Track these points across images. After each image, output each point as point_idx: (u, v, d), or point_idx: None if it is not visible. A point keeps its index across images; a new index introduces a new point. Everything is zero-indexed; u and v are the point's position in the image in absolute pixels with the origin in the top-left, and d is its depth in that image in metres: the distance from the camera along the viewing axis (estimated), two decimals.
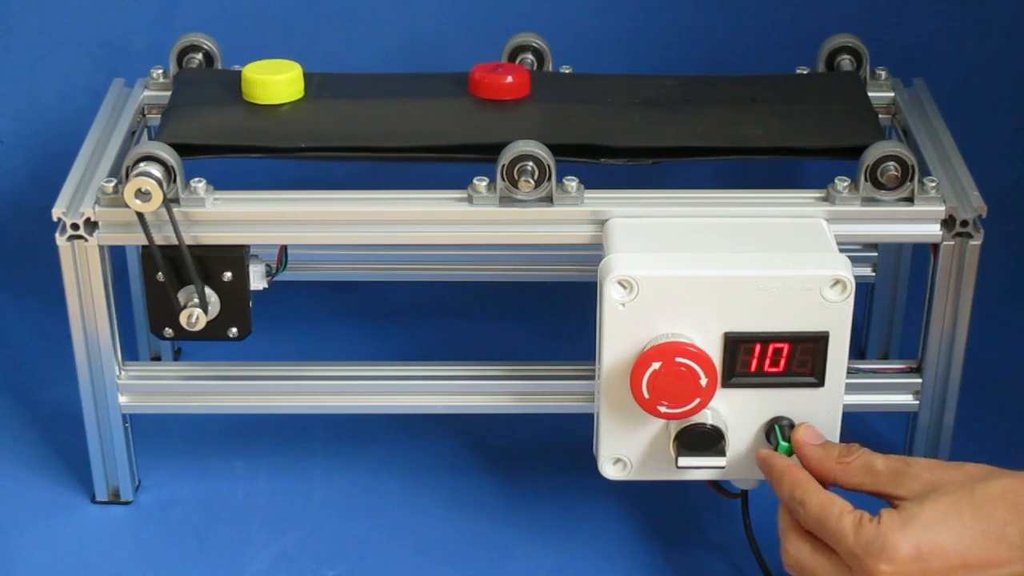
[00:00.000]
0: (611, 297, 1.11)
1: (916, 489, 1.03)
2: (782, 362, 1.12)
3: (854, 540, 1.01)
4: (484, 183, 1.19)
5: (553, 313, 1.55)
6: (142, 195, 1.15)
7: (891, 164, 1.18)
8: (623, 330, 1.12)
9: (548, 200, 1.19)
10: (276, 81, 1.28)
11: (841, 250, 1.14)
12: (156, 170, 1.16)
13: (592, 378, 1.21)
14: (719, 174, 1.63)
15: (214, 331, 1.21)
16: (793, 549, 1.07)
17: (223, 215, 1.19)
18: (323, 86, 1.31)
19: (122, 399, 1.26)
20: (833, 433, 1.16)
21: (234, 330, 1.22)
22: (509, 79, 1.29)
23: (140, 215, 1.16)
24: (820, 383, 1.13)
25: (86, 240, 1.19)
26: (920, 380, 1.26)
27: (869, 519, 1.02)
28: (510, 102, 1.29)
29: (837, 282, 1.10)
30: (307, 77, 1.31)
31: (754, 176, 1.57)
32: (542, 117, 1.27)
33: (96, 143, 1.29)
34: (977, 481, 1.02)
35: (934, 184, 1.19)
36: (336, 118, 1.27)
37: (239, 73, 1.35)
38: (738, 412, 1.15)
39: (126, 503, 1.31)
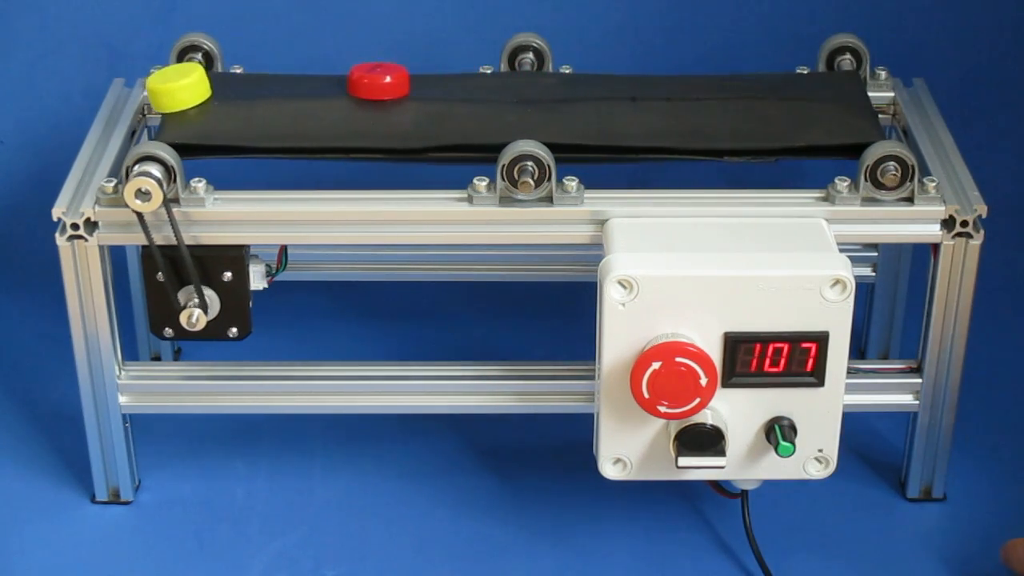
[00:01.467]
0: (611, 297, 1.11)
1: None
2: (782, 362, 1.12)
3: None
4: (484, 183, 1.19)
5: (553, 313, 1.55)
6: (142, 195, 1.15)
7: (891, 164, 1.18)
8: (623, 330, 1.12)
9: (548, 200, 1.19)
10: (180, 87, 1.27)
11: (841, 250, 1.14)
12: (156, 170, 1.16)
13: (592, 378, 1.21)
14: (719, 174, 1.63)
15: (214, 331, 1.21)
16: None
17: (223, 215, 1.19)
18: (228, 84, 1.32)
19: (122, 399, 1.26)
20: (833, 433, 1.16)
21: (234, 330, 1.22)
22: (387, 79, 1.28)
23: (140, 215, 1.16)
24: (820, 383, 1.13)
25: (86, 240, 1.19)
26: (920, 380, 1.26)
27: None
28: (388, 102, 1.29)
29: (837, 282, 1.10)
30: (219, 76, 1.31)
31: (754, 176, 1.57)
32: (417, 117, 1.26)
33: (96, 143, 1.29)
34: None
35: (934, 184, 1.19)
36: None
37: (239, 74, 1.35)
38: (738, 412, 1.15)
39: (126, 503, 1.31)
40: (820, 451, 1.16)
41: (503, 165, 1.17)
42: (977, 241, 1.19)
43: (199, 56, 1.37)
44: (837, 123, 1.25)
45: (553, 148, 1.20)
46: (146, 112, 1.36)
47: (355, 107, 1.28)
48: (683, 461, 1.14)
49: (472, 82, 1.34)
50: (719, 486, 1.24)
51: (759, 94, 1.30)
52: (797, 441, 1.15)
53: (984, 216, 1.19)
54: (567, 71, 1.38)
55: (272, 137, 1.24)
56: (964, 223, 1.19)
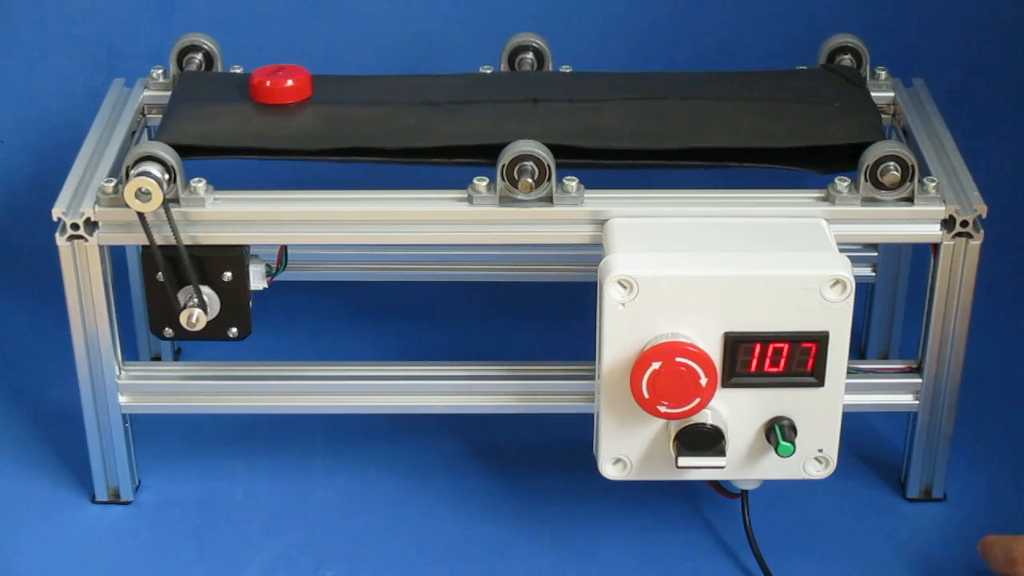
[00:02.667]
0: (611, 297, 1.11)
1: None
2: (782, 362, 1.12)
3: None
4: (484, 183, 1.19)
5: (553, 313, 1.55)
6: (142, 195, 1.15)
7: (891, 164, 1.18)
8: (623, 330, 1.12)
9: (548, 200, 1.19)
10: None
11: (841, 250, 1.14)
12: (156, 170, 1.16)
13: (592, 378, 1.21)
14: (719, 174, 1.62)
15: (214, 331, 1.22)
16: None
17: (223, 215, 1.19)
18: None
19: (122, 399, 1.26)
20: (833, 433, 1.16)
21: (234, 330, 1.22)
22: (289, 83, 1.28)
23: (140, 215, 1.16)
24: (820, 383, 1.13)
25: (86, 240, 1.19)
26: (920, 380, 1.26)
27: None
28: (291, 105, 1.28)
29: (837, 282, 1.10)
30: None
31: (754, 176, 1.57)
32: (317, 121, 1.26)
33: (96, 143, 1.29)
34: None
35: (934, 184, 1.19)
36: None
37: (239, 74, 1.35)
38: (738, 412, 1.15)
39: (126, 503, 1.31)
40: (820, 451, 1.16)
41: (503, 165, 1.17)
42: (977, 241, 1.19)
43: (199, 56, 1.37)
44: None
45: (451, 151, 1.21)
46: (146, 112, 1.36)
47: (256, 111, 1.27)
48: (683, 461, 1.14)
49: (375, 84, 1.34)
50: (719, 486, 1.24)
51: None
52: (797, 441, 1.15)
53: (984, 216, 1.19)
54: (566, 70, 1.38)
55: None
56: (964, 223, 1.19)
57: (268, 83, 1.28)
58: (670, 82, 1.32)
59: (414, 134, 1.24)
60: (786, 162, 1.23)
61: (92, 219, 1.19)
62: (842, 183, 1.19)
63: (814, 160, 1.23)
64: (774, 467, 1.17)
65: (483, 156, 1.22)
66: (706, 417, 1.13)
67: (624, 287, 1.11)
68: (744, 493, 1.23)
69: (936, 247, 1.20)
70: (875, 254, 1.43)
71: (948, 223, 1.19)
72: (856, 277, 1.12)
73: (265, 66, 1.30)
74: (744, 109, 1.27)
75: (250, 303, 1.22)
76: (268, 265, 1.23)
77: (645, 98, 1.29)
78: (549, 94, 1.30)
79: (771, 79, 1.34)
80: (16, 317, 1.56)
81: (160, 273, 1.19)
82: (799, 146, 1.23)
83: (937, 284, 1.21)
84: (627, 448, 1.17)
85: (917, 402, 1.27)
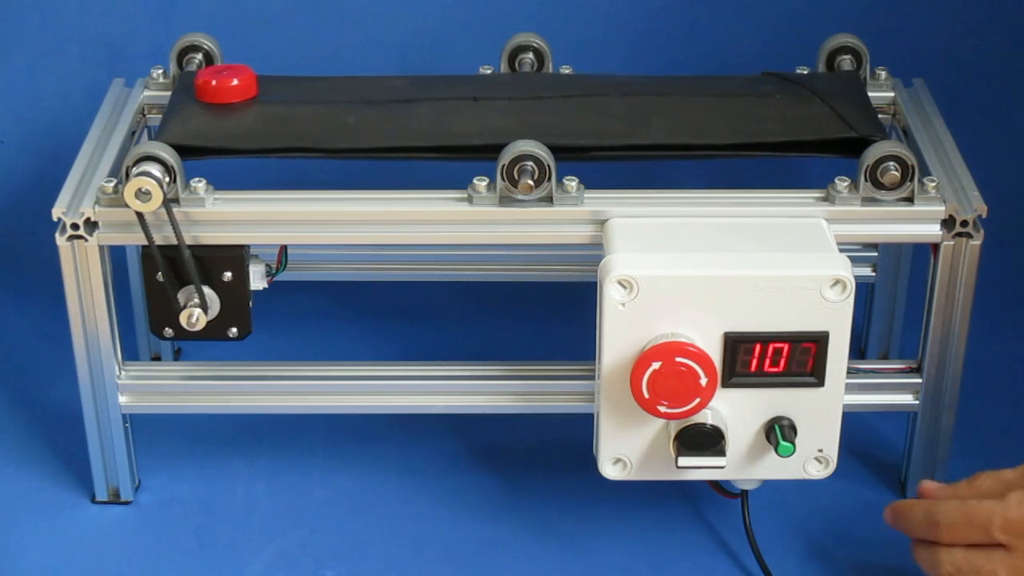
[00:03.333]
0: (611, 297, 1.11)
1: None
2: (782, 362, 1.12)
3: (1004, 511, 1.06)
4: (484, 183, 1.19)
5: (553, 313, 1.55)
6: (142, 195, 1.15)
7: (891, 164, 1.18)
8: (623, 330, 1.12)
9: (548, 200, 1.19)
10: None
11: (841, 250, 1.14)
12: (156, 170, 1.16)
13: (592, 378, 1.21)
14: (720, 174, 1.63)
15: (214, 331, 1.22)
16: (947, 558, 1.10)
17: (223, 215, 1.19)
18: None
19: (122, 399, 1.26)
20: (833, 433, 1.16)
21: (234, 330, 1.22)
22: (235, 82, 1.28)
23: (140, 215, 1.16)
24: (820, 383, 1.13)
25: (86, 240, 1.19)
26: (920, 380, 1.26)
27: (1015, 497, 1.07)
28: (237, 104, 1.28)
29: (837, 282, 1.10)
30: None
31: (754, 176, 1.58)
32: (259, 120, 1.26)
33: (96, 143, 1.29)
34: None
35: (934, 184, 1.19)
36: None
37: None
38: (738, 412, 1.15)
39: (126, 503, 1.31)
40: (820, 451, 1.17)
41: (503, 165, 1.18)
42: (977, 241, 1.19)
43: (199, 56, 1.37)
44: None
45: (390, 150, 1.22)
46: (146, 112, 1.36)
47: (202, 110, 1.27)
48: (683, 461, 1.14)
49: (319, 84, 1.34)
50: (719, 486, 1.24)
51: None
52: (797, 441, 1.15)
53: (984, 216, 1.19)
54: (567, 71, 1.38)
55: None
56: (964, 223, 1.19)
57: (214, 83, 1.28)
58: (613, 81, 1.33)
59: (353, 133, 1.24)
60: (728, 150, 1.23)
61: (92, 219, 1.19)
62: (842, 183, 1.19)
63: (755, 149, 1.23)
64: (774, 467, 1.17)
65: (423, 154, 1.23)
66: (706, 417, 1.13)
67: (624, 287, 1.11)
68: (744, 493, 1.23)
69: (936, 247, 1.20)
70: (875, 254, 1.43)
71: (948, 223, 1.19)
72: (856, 277, 1.11)
73: (209, 66, 1.30)
74: (682, 105, 1.27)
75: (250, 303, 1.22)
76: (268, 265, 1.23)
77: (584, 95, 1.29)
78: (489, 93, 1.30)
79: (715, 79, 1.34)
80: (16, 317, 1.56)
81: (160, 273, 1.19)
82: (739, 142, 1.23)
83: (937, 284, 1.21)
84: (627, 448, 1.17)
85: (917, 402, 1.27)
